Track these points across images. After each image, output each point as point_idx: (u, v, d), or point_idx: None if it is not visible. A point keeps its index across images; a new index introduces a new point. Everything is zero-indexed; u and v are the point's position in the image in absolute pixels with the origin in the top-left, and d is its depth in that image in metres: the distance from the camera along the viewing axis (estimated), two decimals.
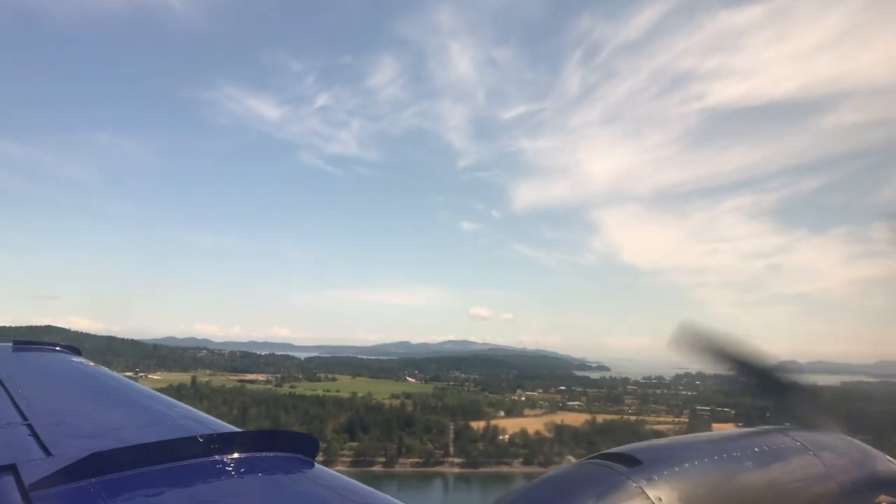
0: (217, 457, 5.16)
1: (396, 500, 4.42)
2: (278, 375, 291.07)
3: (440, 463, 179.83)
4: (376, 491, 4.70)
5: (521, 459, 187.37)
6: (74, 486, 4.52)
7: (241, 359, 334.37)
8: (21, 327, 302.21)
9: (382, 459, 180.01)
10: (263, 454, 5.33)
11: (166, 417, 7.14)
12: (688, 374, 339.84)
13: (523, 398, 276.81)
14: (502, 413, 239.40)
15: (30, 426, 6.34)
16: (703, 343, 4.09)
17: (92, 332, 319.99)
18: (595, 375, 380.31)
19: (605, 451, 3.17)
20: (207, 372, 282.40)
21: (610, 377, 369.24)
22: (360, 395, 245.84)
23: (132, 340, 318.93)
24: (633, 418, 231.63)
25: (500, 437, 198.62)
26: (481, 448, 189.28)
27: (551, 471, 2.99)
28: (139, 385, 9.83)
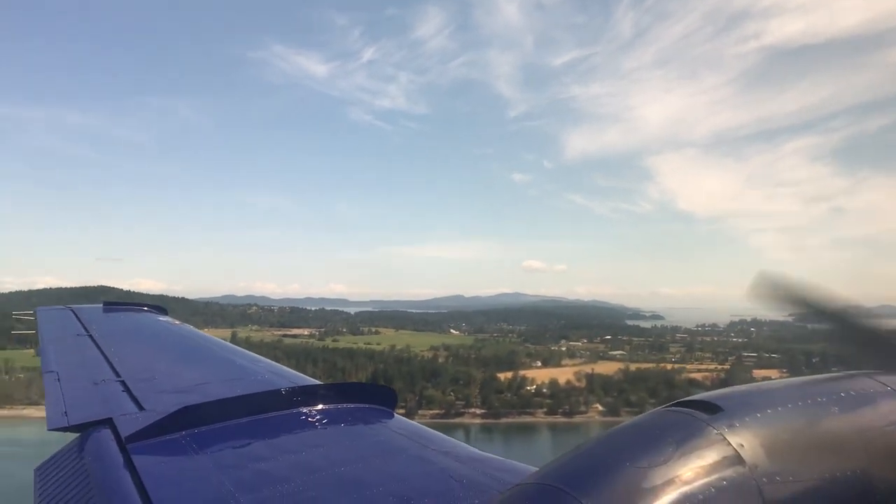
0: (300, 409, 5.69)
1: (475, 449, 4.74)
2: (322, 329, 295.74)
3: (461, 414, 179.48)
4: (457, 441, 5.04)
5: (545, 409, 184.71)
6: (166, 439, 5.10)
7: (290, 314, 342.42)
8: (75, 287, 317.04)
9: (401, 412, 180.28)
10: (344, 406, 5.88)
11: (250, 372, 7.91)
12: (742, 322, 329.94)
13: (564, 348, 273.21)
14: (539, 363, 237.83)
15: (123, 382, 7.14)
16: (782, 292, 3.94)
17: (146, 292, 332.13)
18: (646, 324, 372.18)
19: (685, 399, 3.05)
20: (252, 327, 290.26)
21: (661, 326, 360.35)
22: (397, 347, 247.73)
23: (183, 299, 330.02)
24: (670, 366, 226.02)
25: (528, 388, 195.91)
26: (507, 398, 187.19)
27: (628, 419, 3.01)
28: (224, 342, 10.89)
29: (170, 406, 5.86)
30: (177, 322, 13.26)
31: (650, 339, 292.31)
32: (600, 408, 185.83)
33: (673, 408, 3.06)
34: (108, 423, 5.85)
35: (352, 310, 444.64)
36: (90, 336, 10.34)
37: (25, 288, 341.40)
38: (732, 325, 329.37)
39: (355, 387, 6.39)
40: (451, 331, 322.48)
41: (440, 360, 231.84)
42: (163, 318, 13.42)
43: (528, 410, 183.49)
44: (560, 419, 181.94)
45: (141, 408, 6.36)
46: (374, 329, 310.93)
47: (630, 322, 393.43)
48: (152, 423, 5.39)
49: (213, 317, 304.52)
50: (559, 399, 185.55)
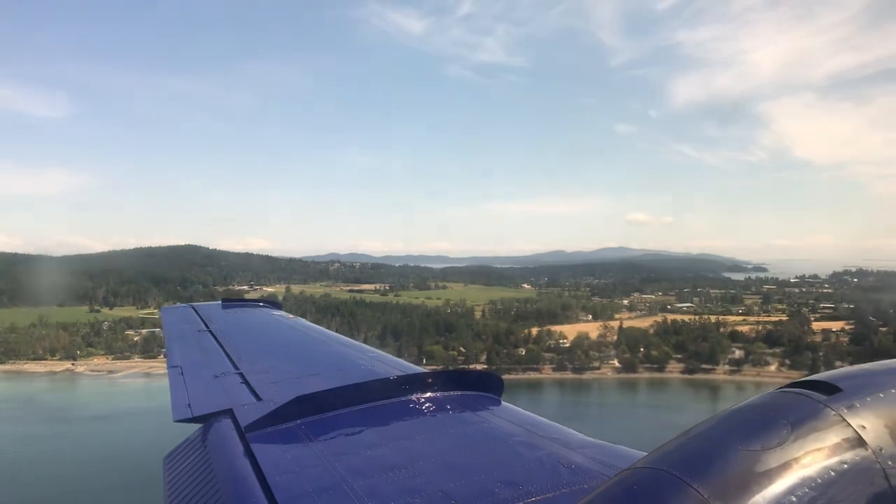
0: (409, 396, 5.91)
1: (584, 435, 4.93)
2: (388, 285, 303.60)
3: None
4: (564, 427, 5.20)
5: (553, 365, 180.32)
6: (283, 427, 5.43)
7: (370, 270, 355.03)
8: (163, 246, 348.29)
9: None
10: (452, 393, 6.02)
11: (360, 362, 8.23)
12: (846, 272, 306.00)
13: (626, 301, 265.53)
14: (589, 316, 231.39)
15: (241, 375, 7.55)
16: None
17: (232, 251, 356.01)
18: (744, 276, 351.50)
19: (802, 379, 3.00)
20: (320, 284, 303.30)
21: (758, 277, 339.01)
22: (451, 301, 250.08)
23: (267, 256, 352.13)
24: (714, 318, 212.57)
25: (550, 342, 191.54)
26: (516, 353, 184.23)
27: (744, 401, 2.97)
28: (335, 333, 11.17)
29: (285, 396, 6.16)
30: (290, 316, 13.92)
31: (732, 292, 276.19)
32: (617, 364, 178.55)
33: (789, 388, 2.96)
34: (229, 413, 6.24)
35: (441, 265, 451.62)
36: (210, 332, 10.92)
37: (144, 245, 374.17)
38: (835, 275, 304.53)
39: (463, 374, 6.57)
40: (524, 285, 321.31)
41: (482, 314, 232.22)
42: (277, 313, 14.08)
43: (534, 366, 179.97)
44: (569, 375, 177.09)
45: (258, 398, 6.72)
46: (442, 284, 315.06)
47: (728, 275, 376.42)
48: (269, 413, 5.71)
49: (290, 274, 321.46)
50: (572, 355, 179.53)
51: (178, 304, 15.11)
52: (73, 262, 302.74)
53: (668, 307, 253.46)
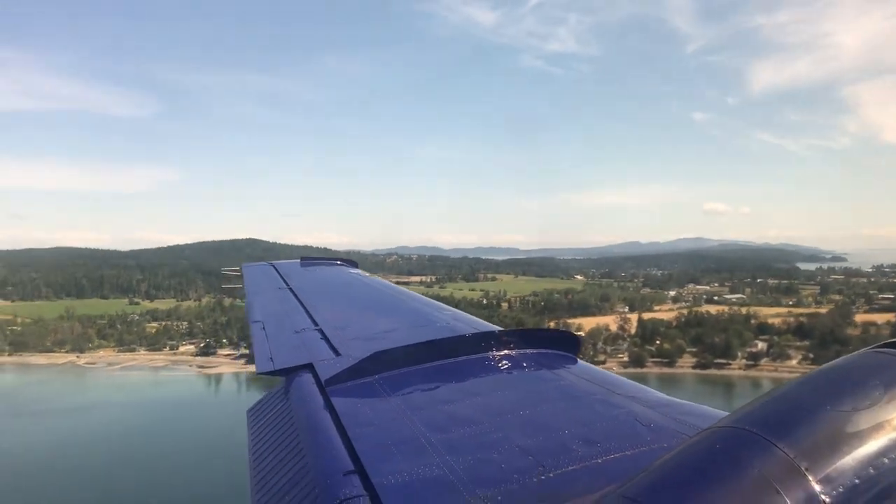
0: (486, 353, 6.14)
1: (663, 394, 5.07)
2: (434, 277, 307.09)
3: None
4: (642, 386, 5.39)
5: None
6: (361, 382, 5.74)
7: (427, 262, 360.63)
8: (224, 240, 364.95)
9: None
10: (528, 351, 6.21)
11: (436, 319, 8.48)
12: None
13: (672, 293, 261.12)
14: (626, 308, 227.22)
15: (320, 330, 7.96)
16: None
17: (292, 244, 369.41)
18: (813, 266, 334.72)
19: (892, 339, 2.81)
20: (377, 275, 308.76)
21: (830, 267, 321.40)
22: (491, 292, 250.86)
23: (325, 249, 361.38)
24: (745, 310, 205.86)
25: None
26: None
27: (833, 361, 2.87)
28: (411, 291, 11.46)
29: (363, 352, 6.29)
30: (367, 274, 14.16)
31: (792, 283, 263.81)
32: (625, 358, 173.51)
33: (879, 349, 2.84)
34: (309, 367, 6.48)
35: (507, 257, 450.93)
36: (290, 289, 11.26)
37: (208, 239, 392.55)
38: None
39: (539, 332, 6.60)
40: (577, 276, 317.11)
41: (509, 305, 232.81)
42: (354, 271, 14.35)
43: None
44: None
45: (337, 353, 6.89)
46: (492, 276, 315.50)
47: (803, 265, 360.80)
48: (348, 368, 5.90)
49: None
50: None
51: (260, 262, 15.59)
52: (136, 255, 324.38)
53: (716, 298, 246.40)
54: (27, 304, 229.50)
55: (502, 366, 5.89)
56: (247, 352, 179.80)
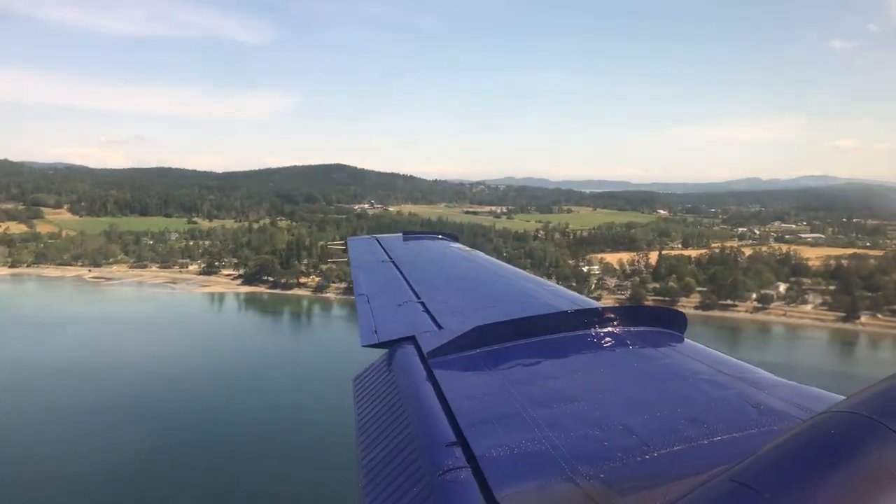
0: (589, 330, 6.04)
1: (777, 377, 4.84)
2: (505, 208, 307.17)
3: None
4: (753, 367, 5.17)
5: None
6: (463, 355, 5.74)
7: (514, 193, 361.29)
8: (312, 165, 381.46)
9: None
10: (634, 328, 6.08)
11: (538, 295, 8.56)
12: None
13: (739, 231, 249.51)
14: (678, 245, 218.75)
15: (422, 304, 8.13)
16: None
17: (380, 171, 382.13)
18: None
19: None
20: (445, 205, 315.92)
21: None
22: (551, 225, 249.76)
23: (410, 177, 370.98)
24: (787, 248, 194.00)
25: (570, 268, 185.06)
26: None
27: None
28: (512, 267, 11.95)
29: (465, 325, 6.33)
30: (467, 248, 14.36)
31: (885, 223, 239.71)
32: (626, 294, 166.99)
33: None
34: (412, 340, 6.57)
35: (609, 190, 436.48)
36: (393, 262, 11.53)
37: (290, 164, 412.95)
38: None
39: (645, 310, 6.55)
40: (659, 211, 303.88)
41: (536, 236, 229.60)
42: (455, 245, 14.55)
43: None
44: None
45: (439, 327, 7.02)
46: (567, 208, 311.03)
47: None
48: (450, 341, 5.92)
49: (427, 194, 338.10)
50: (582, 283, 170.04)
51: (363, 235, 16.18)
52: (228, 178, 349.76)
53: (787, 236, 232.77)
54: (92, 219, 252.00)
55: (605, 343, 5.83)
56: (242, 272, 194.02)
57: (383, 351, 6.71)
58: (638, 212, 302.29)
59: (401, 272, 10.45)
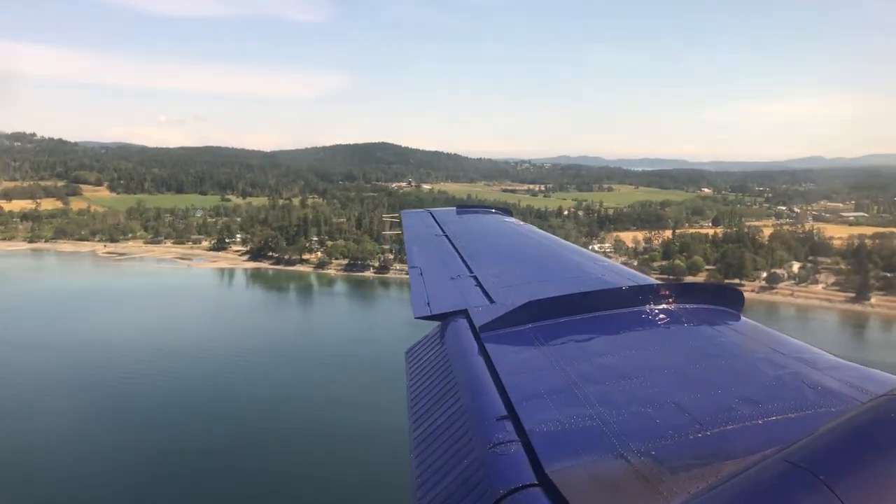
0: (644, 307, 5.94)
1: (837, 357, 4.72)
2: (543, 186, 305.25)
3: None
4: (812, 347, 5.03)
5: None
6: (515, 330, 5.74)
7: (560, 172, 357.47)
8: (359, 144, 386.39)
9: (376, 265, 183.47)
10: (688, 305, 5.96)
11: (591, 270, 8.42)
12: None
13: (778, 210, 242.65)
14: (708, 223, 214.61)
15: (475, 278, 8.10)
16: None
17: (424, 149, 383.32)
18: None
19: None
20: (483, 183, 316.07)
21: None
22: (585, 202, 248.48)
23: (455, 155, 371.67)
24: (810, 227, 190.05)
25: (587, 245, 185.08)
26: None
27: None
28: (565, 241, 11.78)
29: (517, 299, 6.35)
30: (521, 223, 14.41)
31: None
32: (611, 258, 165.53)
33: None
34: (464, 313, 6.55)
35: (650, 168, 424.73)
36: (446, 236, 11.49)
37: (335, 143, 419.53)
38: None
39: (700, 287, 6.43)
40: (704, 189, 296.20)
41: (560, 213, 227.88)
42: (508, 219, 14.54)
43: None
44: None
45: (491, 301, 7.01)
46: (608, 186, 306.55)
47: None
48: (502, 315, 5.93)
49: (470, 172, 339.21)
50: None
51: (418, 209, 16.38)
52: (274, 156, 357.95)
53: (826, 215, 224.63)
54: (128, 196, 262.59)
55: (659, 320, 5.73)
56: (248, 248, 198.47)
57: (434, 324, 6.79)
58: (682, 190, 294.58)
59: (453, 246, 10.41)
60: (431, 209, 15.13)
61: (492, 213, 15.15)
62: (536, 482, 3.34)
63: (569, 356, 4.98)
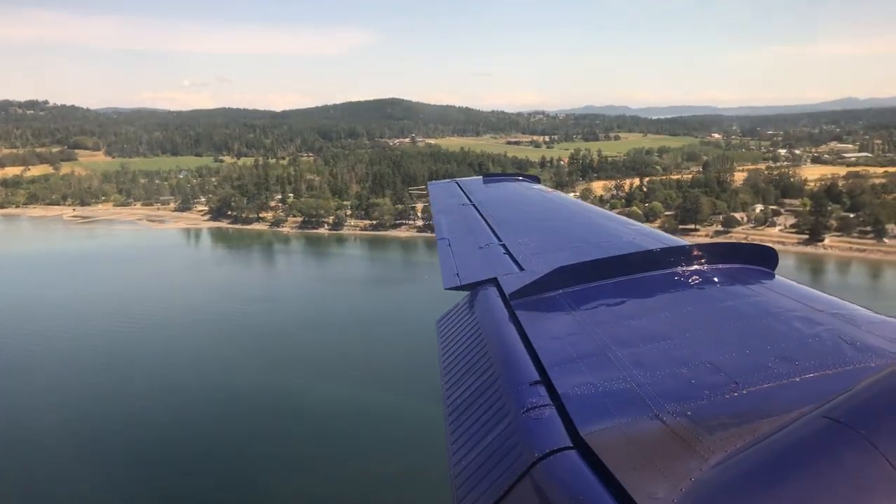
0: (676, 269, 5.87)
1: (875, 313, 4.63)
2: (555, 136, 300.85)
3: (396, 226, 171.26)
4: (849, 303, 4.96)
5: None
6: (545, 296, 5.74)
7: (572, 122, 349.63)
8: (368, 101, 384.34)
9: (330, 222, 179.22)
10: (721, 266, 5.90)
11: (621, 234, 8.36)
12: None
13: (777, 152, 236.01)
14: (699, 169, 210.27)
15: (504, 246, 8.11)
16: None
17: (435, 104, 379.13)
18: None
19: None
20: (490, 136, 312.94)
21: None
22: (581, 151, 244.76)
23: (466, 109, 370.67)
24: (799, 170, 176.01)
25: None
26: None
27: None
28: (593, 206, 11.99)
29: (546, 266, 6.36)
30: (549, 189, 14.45)
31: None
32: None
33: None
34: (494, 282, 6.59)
35: (674, 115, 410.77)
36: (473, 205, 11.52)
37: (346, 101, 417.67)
38: None
39: (733, 247, 6.28)
40: (714, 135, 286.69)
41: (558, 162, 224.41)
42: (536, 187, 14.44)
43: None
44: None
45: (521, 268, 7.00)
46: (615, 135, 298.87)
47: None
48: (532, 282, 5.94)
49: (478, 126, 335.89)
50: None
51: (444, 179, 16.02)
52: (284, 116, 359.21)
53: (826, 156, 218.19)
54: (121, 160, 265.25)
55: (692, 281, 5.69)
56: (209, 208, 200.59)
57: (463, 294, 6.87)
58: (692, 136, 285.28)
59: (481, 215, 10.43)
60: (458, 179, 15.02)
61: (519, 180, 14.93)
62: (571, 445, 3.31)
63: (600, 320, 5.00)
